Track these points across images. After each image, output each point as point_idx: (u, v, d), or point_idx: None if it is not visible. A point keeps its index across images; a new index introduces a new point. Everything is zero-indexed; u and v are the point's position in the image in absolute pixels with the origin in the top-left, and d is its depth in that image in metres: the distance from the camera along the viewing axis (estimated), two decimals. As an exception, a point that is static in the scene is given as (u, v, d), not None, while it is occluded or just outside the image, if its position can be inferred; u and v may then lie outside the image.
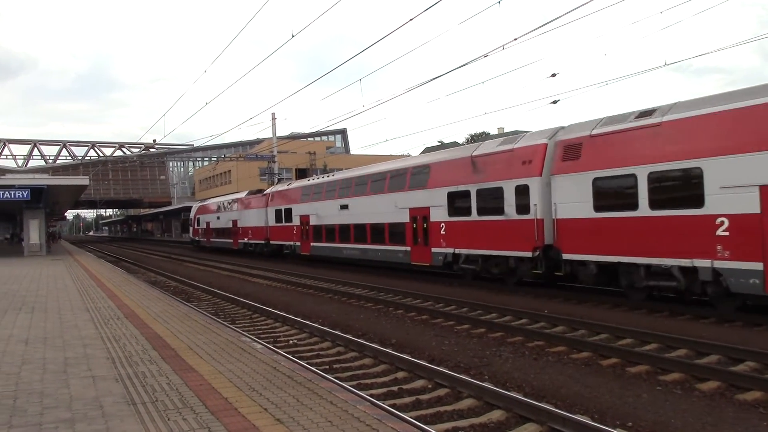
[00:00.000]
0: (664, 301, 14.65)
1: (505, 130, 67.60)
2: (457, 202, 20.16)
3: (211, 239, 51.14)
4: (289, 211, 34.46)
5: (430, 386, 8.61)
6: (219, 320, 13.24)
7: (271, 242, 37.47)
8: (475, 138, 67.91)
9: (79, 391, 6.40)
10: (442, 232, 20.80)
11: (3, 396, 6.25)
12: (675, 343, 10.64)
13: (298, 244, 33.06)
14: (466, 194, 19.61)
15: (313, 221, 31.15)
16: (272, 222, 37.02)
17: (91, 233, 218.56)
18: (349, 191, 27.69)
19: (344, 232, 27.86)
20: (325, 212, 29.78)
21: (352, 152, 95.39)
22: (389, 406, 7.17)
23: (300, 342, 12.24)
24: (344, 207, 27.82)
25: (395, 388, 8.53)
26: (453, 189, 20.34)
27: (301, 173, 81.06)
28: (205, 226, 53.55)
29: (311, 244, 31.48)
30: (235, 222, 44.22)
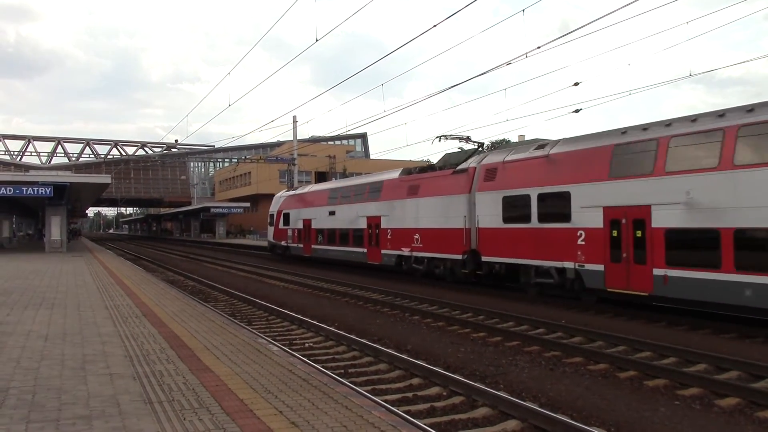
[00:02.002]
0: (684, 314, 14.47)
1: (526, 138, 67.30)
2: None
3: (317, 246, 33.44)
4: (560, 198, 17.09)
5: (445, 393, 8.57)
6: (235, 321, 13.30)
7: (486, 258, 20.05)
8: (496, 145, 67.75)
9: (97, 388, 6.45)
10: None
11: (22, 391, 6.32)
12: (694, 358, 10.51)
13: (599, 268, 15.87)
14: None
15: (682, 221, 14.00)
16: (489, 221, 19.81)
17: (111, 231, 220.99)
18: None
19: None
20: None
21: (371, 157, 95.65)
22: (404, 412, 7.14)
23: (315, 345, 12.25)
24: None
25: (410, 395, 8.51)
26: None
27: (321, 177, 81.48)
28: (301, 226, 35.55)
29: (670, 272, 14.04)
30: (374, 221, 27.27)
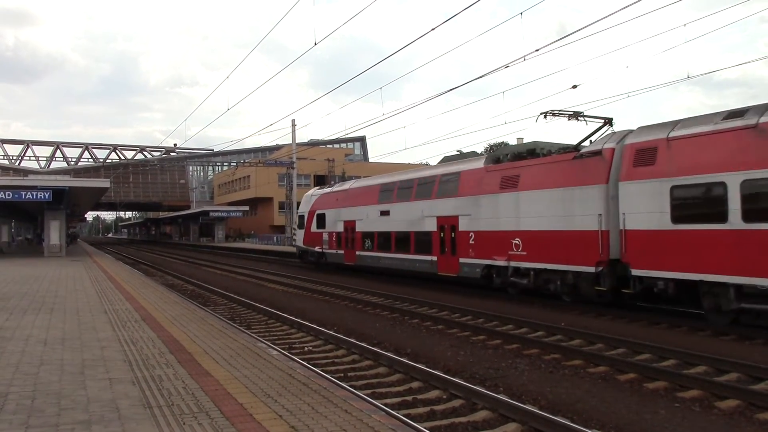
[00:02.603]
0: (684, 316, 14.46)
1: (525, 141, 67.43)
2: None
3: (363, 253, 28.08)
4: None
5: (444, 397, 8.56)
6: (235, 325, 13.30)
7: (639, 272, 14.91)
8: (494, 148, 67.98)
9: (96, 393, 6.44)
10: None
11: (21, 396, 6.31)
12: (694, 360, 10.50)
13: None
14: None
15: None
16: (647, 220, 14.82)
17: (110, 235, 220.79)
18: None
19: None
20: None
21: (370, 160, 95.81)
22: (404, 415, 7.14)
23: (315, 349, 12.24)
24: None
25: (410, 398, 8.49)
26: None
27: (320, 180, 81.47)
28: (341, 229, 30.32)
29: None
30: (447, 221, 21.92)
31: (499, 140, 65.98)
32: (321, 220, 32.45)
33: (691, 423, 7.51)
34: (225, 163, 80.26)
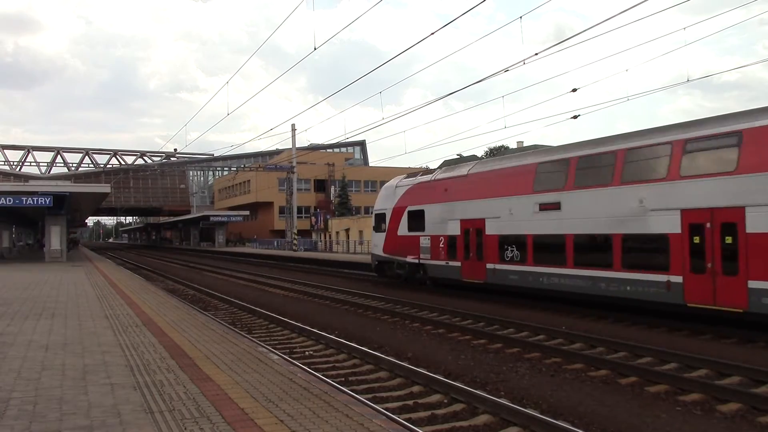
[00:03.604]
0: (685, 320, 14.46)
1: (525, 144, 67.44)
2: None
3: (504, 266, 19.08)
4: None
5: (446, 401, 8.56)
6: (236, 330, 13.30)
7: None
8: (495, 152, 68.06)
9: (98, 398, 6.44)
10: None
11: (23, 401, 6.31)
12: (695, 363, 10.49)
13: None
14: None
15: None
16: None
17: (110, 240, 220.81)
18: None
19: None
20: None
21: (370, 164, 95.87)
22: (405, 420, 7.14)
23: (316, 353, 12.24)
24: None
25: (411, 402, 8.49)
26: None
27: (320, 184, 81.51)
28: (456, 232, 21.48)
29: None
30: (707, 218, 13.13)
31: (499, 144, 65.99)
32: (416, 220, 23.71)
33: (692, 426, 7.51)
34: (225, 168, 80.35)
